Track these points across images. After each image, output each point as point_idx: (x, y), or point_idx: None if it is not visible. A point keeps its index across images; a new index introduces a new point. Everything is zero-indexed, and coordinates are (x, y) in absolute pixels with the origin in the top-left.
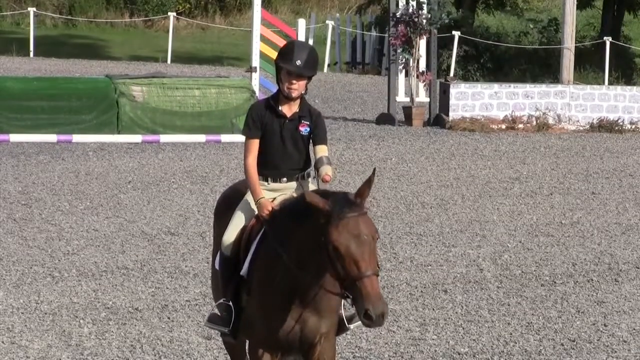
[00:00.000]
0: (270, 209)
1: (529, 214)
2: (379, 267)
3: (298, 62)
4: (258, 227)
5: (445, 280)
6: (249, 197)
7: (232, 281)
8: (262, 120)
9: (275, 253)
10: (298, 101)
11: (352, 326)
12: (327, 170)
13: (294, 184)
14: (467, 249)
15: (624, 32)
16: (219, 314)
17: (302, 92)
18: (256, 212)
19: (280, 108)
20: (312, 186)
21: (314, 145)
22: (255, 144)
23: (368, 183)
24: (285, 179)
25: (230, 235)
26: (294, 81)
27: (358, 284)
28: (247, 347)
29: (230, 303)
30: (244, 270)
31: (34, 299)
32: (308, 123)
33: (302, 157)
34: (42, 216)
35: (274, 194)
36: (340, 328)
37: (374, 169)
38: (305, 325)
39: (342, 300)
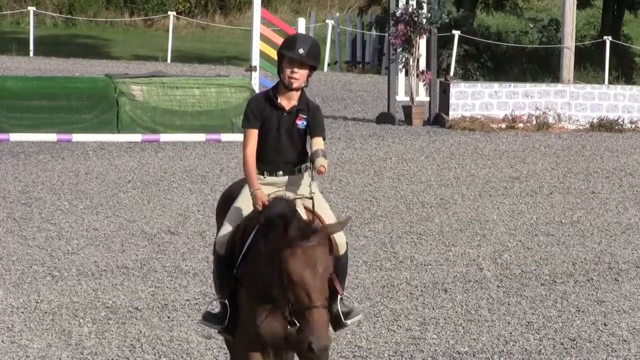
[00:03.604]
0: (264, 202)
1: (529, 213)
2: (326, 300)
3: (301, 51)
4: (252, 225)
5: (445, 280)
6: (243, 195)
7: (227, 279)
8: (262, 112)
9: (260, 251)
10: (298, 93)
11: (349, 322)
12: (322, 162)
13: (290, 178)
14: (467, 248)
15: (624, 32)
16: (212, 311)
17: (303, 85)
18: (251, 210)
19: (279, 100)
20: (307, 179)
21: (311, 137)
22: (254, 134)
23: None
24: (281, 172)
25: (224, 233)
26: (296, 69)
27: (306, 314)
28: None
29: (226, 301)
30: (237, 269)
31: (34, 298)
32: (305, 117)
33: (298, 151)
34: (42, 215)
35: (271, 188)
36: (338, 324)
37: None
38: (293, 323)
39: (338, 297)
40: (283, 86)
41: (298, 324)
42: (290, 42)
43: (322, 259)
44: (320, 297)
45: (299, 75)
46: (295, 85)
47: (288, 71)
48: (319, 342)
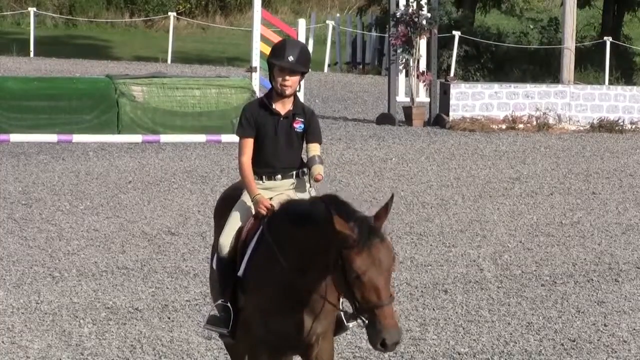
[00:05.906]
0: (267, 205)
1: (529, 214)
2: (392, 295)
3: (290, 58)
4: (254, 227)
5: (445, 280)
6: (245, 197)
7: (229, 282)
8: (256, 119)
9: (271, 254)
10: (292, 99)
11: (351, 325)
12: (319, 170)
13: (289, 182)
14: (467, 249)
15: (624, 32)
16: (217, 315)
17: (296, 90)
18: (253, 213)
19: (274, 106)
20: (306, 185)
21: (307, 143)
22: (249, 143)
23: (386, 208)
24: (279, 176)
25: (227, 236)
26: (287, 77)
27: (377, 312)
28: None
29: (229, 304)
30: (240, 271)
31: (34, 299)
32: (302, 120)
33: (297, 155)
34: (43, 216)
35: (270, 192)
36: (340, 327)
37: (392, 195)
38: (301, 326)
39: (340, 300)
40: (276, 93)
41: (365, 320)
42: (279, 50)
43: (388, 254)
44: (389, 293)
45: (291, 82)
46: (288, 92)
47: (279, 79)
48: (392, 337)
